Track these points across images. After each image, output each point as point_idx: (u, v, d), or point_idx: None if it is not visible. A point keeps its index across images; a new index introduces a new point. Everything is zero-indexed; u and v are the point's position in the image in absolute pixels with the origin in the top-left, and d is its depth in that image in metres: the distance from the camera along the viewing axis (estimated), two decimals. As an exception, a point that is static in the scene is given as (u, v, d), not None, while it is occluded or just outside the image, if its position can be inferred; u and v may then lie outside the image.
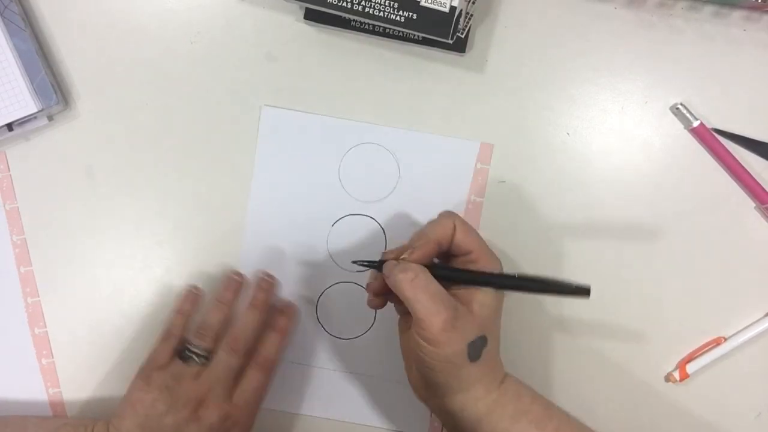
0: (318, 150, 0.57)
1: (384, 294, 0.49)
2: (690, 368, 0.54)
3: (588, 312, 0.55)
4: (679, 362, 0.55)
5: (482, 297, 0.46)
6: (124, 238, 0.57)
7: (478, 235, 0.47)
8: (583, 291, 0.44)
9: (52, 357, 0.57)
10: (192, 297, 0.55)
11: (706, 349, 0.54)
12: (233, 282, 0.55)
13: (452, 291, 0.46)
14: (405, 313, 0.49)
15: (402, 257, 0.46)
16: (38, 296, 0.57)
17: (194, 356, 0.52)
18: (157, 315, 0.57)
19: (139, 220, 0.57)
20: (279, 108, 0.56)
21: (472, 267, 0.47)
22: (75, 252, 0.57)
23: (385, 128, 0.56)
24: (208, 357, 0.52)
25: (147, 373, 0.51)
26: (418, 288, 0.44)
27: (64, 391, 0.57)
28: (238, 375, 0.52)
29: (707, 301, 0.55)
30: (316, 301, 0.57)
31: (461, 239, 0.47)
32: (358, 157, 0.56)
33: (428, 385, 0.46)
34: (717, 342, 0.54)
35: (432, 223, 0.48)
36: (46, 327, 0.57)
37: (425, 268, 0.45)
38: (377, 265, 0.48)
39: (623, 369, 0.55)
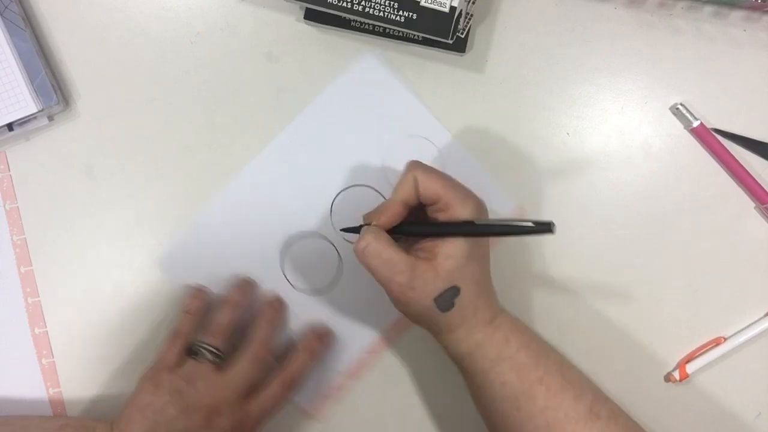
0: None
1: None
2: (690, 368, 0.54)
3: (588, 312, 0.55)
4: (679, 362, 0.55)
5: (447, 248, 0.45)
6: (124, 238, 0.57)
7: (444, 181, 0.46)
8: (545, 227, 0.43)
9: (53, 357, 0.57)
10: (200, 296, 0.55)
11: (706, 349, 0.54)
12: (244, 285, 0.55)
13: (420, 245, 0.46)
14: None
15: (367, 224, 0.47)
16: (38, 296, 0.57)
17: (206, 351, 0.50)
18: (157, 315, 0.57)
19: (139, 220, 0.57)
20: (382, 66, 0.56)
21: (441, 216, 0.46)
22: (75, 252, 0.57)
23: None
24: (220, 355, 0.51)
25: (156, 374, 0.50)
26: (370, 256, 0.45)
27: (65, 390, 0.57)
28: (254, 385, 0.51)
29: (707, 301, 0.55)
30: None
31: (425, 190, 0.46)
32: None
33: (412, 319, 0.48)
34: (717, 342, 0.54)
35: (398, 181, 0.47)
36: (46, 327, 0.57)
37: (380, 233, 0.45)
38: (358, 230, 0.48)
39: (623, 369, 0.55)
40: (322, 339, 0.54)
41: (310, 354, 0.53)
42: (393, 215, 0.47)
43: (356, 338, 0.56)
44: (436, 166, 0.48)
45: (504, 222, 0.45)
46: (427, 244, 0.46)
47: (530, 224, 0.43)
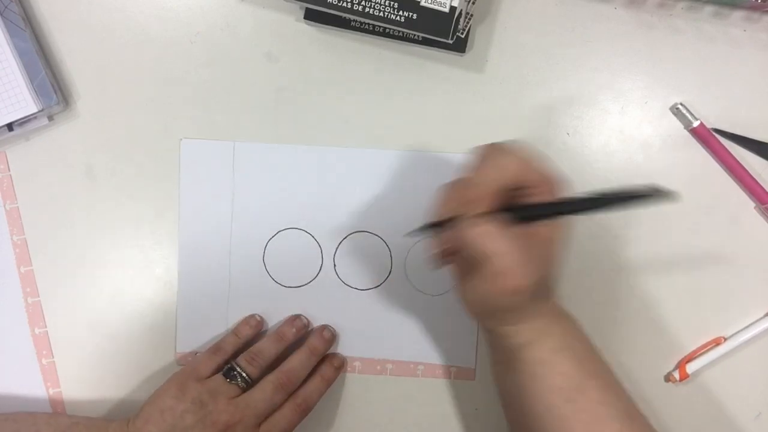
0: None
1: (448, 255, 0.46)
2: (690, 368, 0.54)
3: (588, 312, 0.55)
4: (679, 362, 0.55)
5: (559, 231, 0.42)
6: (124, 238, 0.57)
7: (537, 162, 0.42)
8: (661, 194, 0.36)
9: (53, 357, 0.57)
10: (254, 325, 0.55)
11: (706, 349, 0.54)
12: (298, 322, 0.55)
13: (521, 229, 0.42)
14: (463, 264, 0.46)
15: (466, 216, 0.42)
16: (38, 296, 0.57)
17: (239, 377, 0.51)
18: (157, 315, 0.57)
19: (139, 220, 0.57)
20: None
21: (534, 198, 0.42)
22: (75, 252, 0.57)
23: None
24: (250, 383, 0.51)
25: (184, 381, 0.51)
26: (492, 240, 0.40)
27: (65, 390, 0.57)
28: (272, 411, 0.51)
29: (707, 301, 0.55)
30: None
31: (524, 176, 0.41)
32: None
33: (483, 313, 0.45)
34: (717, 342, 0.54)
35: (481, 168, 0.42)
36: (46, 327, 0.57)
37: (496, 218, 0.41)
38: (433, 226, 0.45)
39: (623, 369, 0.55)
40: (338, 368, 0.55)
41: (326, 382, 0.54)
42: (489, 207, 0.41)
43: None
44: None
45: (612, 192, 0.38)
46: (531, 228, 0.42)
47: (645, 191, 0.37)
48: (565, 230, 0.43)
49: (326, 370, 0.54)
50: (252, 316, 0.56)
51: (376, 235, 0.56)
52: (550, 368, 0.44)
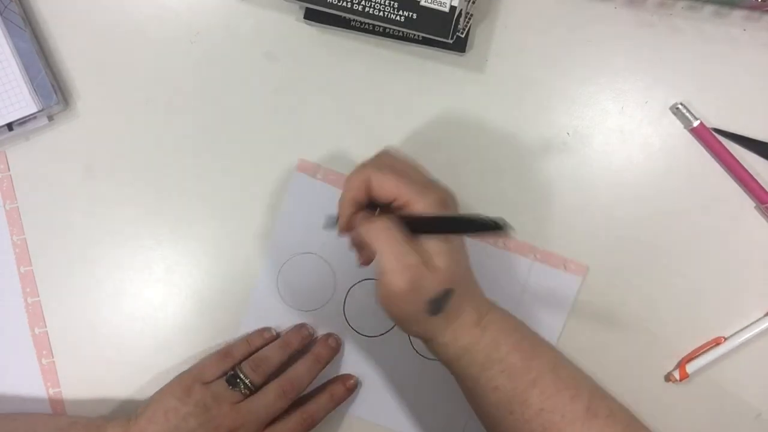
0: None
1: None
2: (690, 368, 0.54)
3: (588, 312, 0.55)
4: (679, 362, 0.55)
5: (433, 245, 0.42)
6: (124, 238, 0.57)
7: (399, 177, 0.43)
8: (500, 224, 0.39)
9: (52, 357, 0.57)
10: (267, 336, 0.55)
11: (706, 348, 0.54)
12: (304, 331, 0.55)
13: (416, 246, 0.43)
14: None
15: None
16: (38, 296, 0.57)
17: (241, 384, 0.51)
18: (157, 315, 0.57)
19: (139, 220, 0.57)
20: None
21: (404, 213, 0.43)
22: (75, 252, 0.57)
23: None
24: (253, 390, 0.51)
25: (190, 383, 0.51)
26: (383, 239, 0.42)
27: (65, 390, 0.57)
28: (274, 417, 0.51)
29: (707, 301, 0.55)
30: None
31: (379, 190, 0.44)
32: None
33: (394, 318, 0.45)
34: (717, 342, 0.54)
35: (346, 180, 0.45)
36: (46, 327, 0.57)
37: (394, 220, 0.43)
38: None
39: (623, 369, 0.55)
40: (349, 388, 0.55)
41: (334, 399, 0.54)
42: (348, 216, 0.45)
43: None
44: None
45: (464, 216, 0.41)
46: (420, 245, 0.43)
47: (490, 221, 0.40)
48: (448, 244, 0.43)
49: (337, 389, 0.54)
50: (267, 329, 0.56)
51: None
52: (483, 383, 0.44)
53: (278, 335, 0.56)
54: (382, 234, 0.42)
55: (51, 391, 0.57)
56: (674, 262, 0.55)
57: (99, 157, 0.57)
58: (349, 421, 0.56)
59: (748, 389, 0.55)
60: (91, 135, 0.58)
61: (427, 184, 0.44)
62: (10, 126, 0.55)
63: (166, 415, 0.49)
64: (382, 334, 0.56)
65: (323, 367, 0.54)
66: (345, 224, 0.46)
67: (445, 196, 0.44)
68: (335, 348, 0.55)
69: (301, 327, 0.56)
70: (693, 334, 0.55)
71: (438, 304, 0.43)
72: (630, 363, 0.55)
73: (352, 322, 0.57)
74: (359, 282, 0.56)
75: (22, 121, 0.55)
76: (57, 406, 0.57)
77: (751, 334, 0.54)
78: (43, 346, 0.57)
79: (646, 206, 0.55)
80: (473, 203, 0.56)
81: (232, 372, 0.52)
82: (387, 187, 0.43)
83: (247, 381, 0.51)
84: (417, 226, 0.43)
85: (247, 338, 0.55)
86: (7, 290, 0.57)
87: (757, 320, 0.54)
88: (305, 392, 0.53)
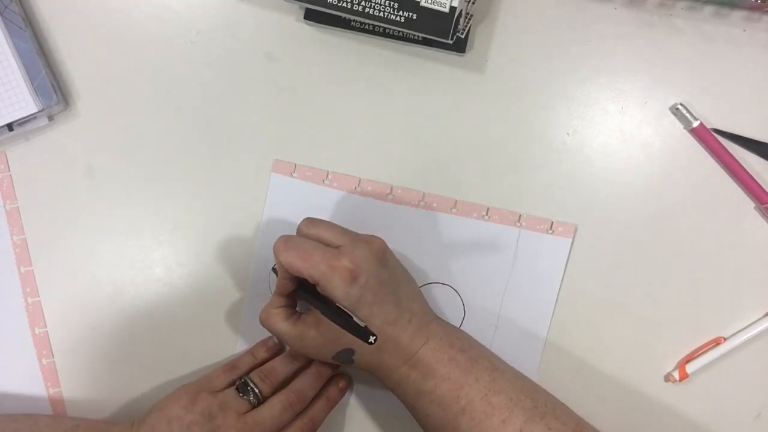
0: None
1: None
2: (690, 368, 0.54)
3: (588, 312, 0.55)
4: (679, 362, 0.55)
5: (325, 319, 0.47)
6: (124, 238, 0.57)
7: (305, 260, 0.46)
8: (366, 336, 0.44)
9: (53, 357, 0.57)
10: (270, 345, 0.56)
11: (706, 349, 0.54)
12: None
13: (313, 310, 0.49)
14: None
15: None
16: (38, 296, 0.57)
17: (252, 393, 0.51)
18: (157, 315, 0.57)
19: (138, 220, 0.57)
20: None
21: (320, 289, 0.47)
22: (75, 252, 0.57)
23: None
24: (261, 400, 0.51)
25: (196, 392, 0.50)
26: (268, 328, 0.50)
27: (65, 390, 0.57)
28: (279, 430, 0.51)
29: (707, 301, 0.55)
30: None
31: (290, 271, 0.47)
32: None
33: None
34: (717, 342, 0.54)
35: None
36: (46, 327, 0.57)
37: (270, 310, 0.50)
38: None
39: (623, 369, 0.55)
40: (342, 389, 0.55)
41: (331, 403, 0.54)
42: (282, 287, 0.50)
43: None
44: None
45: (341, 315, 0.46)
46: (315, 311, 0.49)
47: (360, 326, 0.45)
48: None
49: (332, 391, 0.55)
50: (270, 338, 0.56)
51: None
52: (417, 410, 0.49)
53: (278, 344, 0.56)
54: (266, 324, 0.51)
55: (51, 391, 0.57)
56: (674, 262, 0.55)
57: (99, 157, 0.57)
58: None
59: (748, 389, 0.55)
60: (91, 135, 0.58)
61: (332, 262, 0.46)
62: (10, 126, 0.55)
63: (170, 424, 0.48)
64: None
65: (326, 380, 0.54)
66: (279, 292, 0.50)
67: (353, 269, 0.46)
68: (343, 389, 0.56)
69: None
70: (693, 334, 0.55)
71: (344, 358, 0.49)
72: (630, 363, 0.55)
73: None
74: None
75: (23, 121, 0.55)
76: (57, 406, 0.57)
77: (751, 334, 0.54)
78: (43, 346, 0.57)
79: (646, 206, 0.55)
80: (473, 202, 0.56)
81: (242, 381, 0.52)
82: (295, 269, 0.47)
83: (257, 390, 0.51)
84: (311, 303, 0.48)
85: (251, 351, 0.55)
86: (7, 290, 0.57)
87: (757, 320, 0.54)
88: None
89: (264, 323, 0.50)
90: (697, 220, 0.55)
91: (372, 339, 0.44)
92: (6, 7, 0.55)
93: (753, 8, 0.54)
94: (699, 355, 0.54)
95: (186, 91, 0.57)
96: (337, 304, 0.47)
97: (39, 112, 0.55)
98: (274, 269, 0.52)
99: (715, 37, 0.55)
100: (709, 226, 0.55)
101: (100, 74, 0.57)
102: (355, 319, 0.46)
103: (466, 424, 0.46)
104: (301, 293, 0.50)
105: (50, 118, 0.57)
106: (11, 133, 0.56)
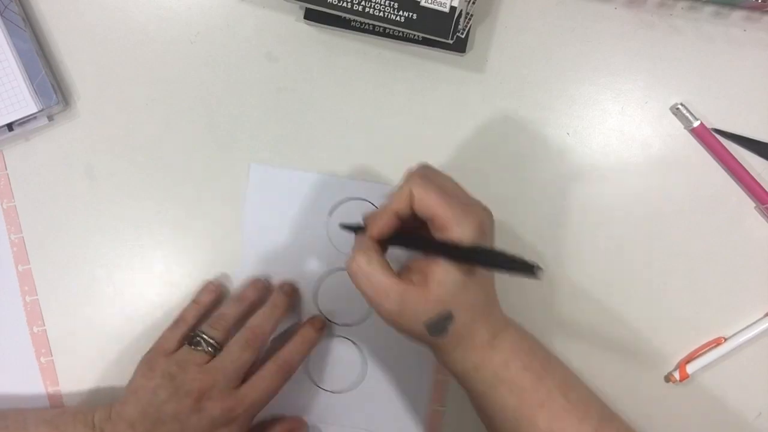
0: (306, 205, 0.56)
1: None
2: (690, 368, 0.54)
3: (588, 312, 0.55)
4: (679, 362, 0.55)
5: (439, 274, 0.42)
6: (123, 238, 0.57)
7: (442, 197, 0.43)
8: (531, 269, 0.39)
9: (51, 355, 0.57)
10: (212, 290, 0.55)
11: (706, 349, 0.54)
12: (259, 284, 0.55)
13: (414, 263, 0.45)
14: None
15: (363, 227, 0.46)
16: (36, 295, 0.57)
17: (203, 342, 0.51)
18: (156, 314, 0.57)
19: (138, 220, 0.57)
20: (266, 165, 0.57)
21: (439, 234, 0.43)
22: (74, 251, 0.57)
23: (372, 184, 0.56)
24: (217, 347, 0.51)
25: (152, 358, 0.51)
26: (360, 279, 0.44)
27: (64, 389, 0.57)
28: (246, 370, 0.51)
29: (707, 301, 0.55)
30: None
31: (419, 207, 0.43)
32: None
33: (398, 330, 0.46)
34: (717, 342, 0.54)
35: (394, 190, 0.45)
36: (44, 325, 0.57)
37: (371, 255, 0.44)
38: (356, 229, 0.48)
39: (623, 369, 0.55)
40: (319, 330, 0.55)
41: (307, 342, 0.54)
42: (385, 226, 0.45)
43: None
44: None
45: (494, 252, 0.42)
46: (421, 264, 0.44)
47: (523, 262, 0.39)
48: (453, 276, 0.42)
49: (307, 331, 0.54)
50: (209, 282, 0.56)
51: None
52: (490, 401, 0.45)
53: (219, 284, 0.56)
54: (361, 271, 0.44)
55: (50, 390, 0.57)
56: (674, 262, 0.55)
57: (99, 157, 0.57)
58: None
59: (748, 389, 0.55)
60: (91, 135, 0.58)
61: (466, 207, 0.43)
62: (10, 126, 0.55)
63: (137, 394, 0.49)
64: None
65: (283, 313, 0.54)
66: (377, 233, 0.45)
67: (483, 220, 0.43)
68: (289, 293, 0.55)
69: (255, 280, 0.55)
70: (693, 334, 0.55)
71: (436, 327, 0.43)
72: (630, 363, 0.55)
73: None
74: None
75: (22, 121, 0.55)
76: (56, 404, 0.57)
77: (751, 334, 0.54)
78: (41, 344, 0.57)
79: (646, 206, 0.55)
80: (473, 203, 0.56)
81: (192, 334, 0.52)
82: (428, 205, 0.43)
83: (208, 339, 0.51)
84: (433, 250, 0.43)
85: (194, 299, 0.55)
86: (5, 289, 0.57)
87: (757, 320, 0.54)
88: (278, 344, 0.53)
89: (359, 272, 0.44)
90: (697, 220, 0.55)
91: (538, 271, 0.38)
92: (6, 7, 0.55)
93: (753, 8, 0.54)
94: (699, 355, 0.54)
95: (186, 91, 0.57)
96: (489, 247, 0.42)
97: (39, 112, 0.55)
98: (346, 226, 0.49)
99: (715, 37, 0.55)
100: (709, 226, 0.55)
101: (100, 74, 0.57)
102: (515, 255, 0.40)
103: (544, 418, 0.43)
104: (401, 240, 0.45)
105: (50, 118, 0.57)
106: (11, 133, 0.56)
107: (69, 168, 0.57)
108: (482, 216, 0.44)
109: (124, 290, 0.57)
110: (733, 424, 0.55)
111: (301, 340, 0.53)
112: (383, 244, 0.46)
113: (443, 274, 0.42)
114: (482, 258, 0.42)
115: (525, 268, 0.39)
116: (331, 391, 0.57)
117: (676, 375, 0.54)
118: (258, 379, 0.51)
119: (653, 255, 0.55)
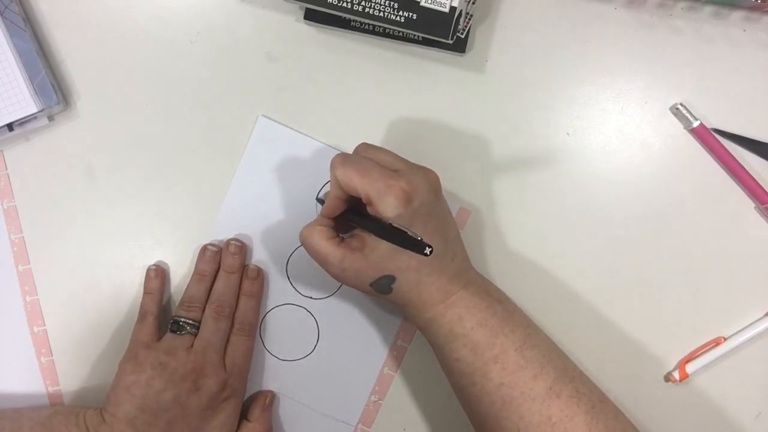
0: (303, 170, 0.57)
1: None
2: (690, 368, 0.54)
3: (588, 312, 0.55)
4: (679, 362, 0.55)
5: (372, 241, 0.46)
6: (123, 238, 0.57)
7: (363, 176, 0.46)
8: (422, 247, 0.43)
9: (51, 355, 0.57)
10: (153, 275, 0.56)
11: (706, 349, 0.54)
12: (208, 253, 0.56)
13: (356, 232, 0.49)
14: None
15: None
16: (36, 295, 0.57)
17: (186, 326, 0.52)
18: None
19: (138, 220, 0.57)
20: (274, 121, 0.56)
21: (369, 209, 0.46)
22: (74, 251, 0.57)
23: None
24: (197, 326, 0.53)
25: (134, 354, 0.52)
26: (307, 247, 0.49)
27: (64, 389, 0.57)
28: (226, 339, 0.53)
29: (707, 301, 0.55)
30: (262, 319, 0.57)
31: (346, 188, 0.47)
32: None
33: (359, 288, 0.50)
34: (717, 342, 0.54)
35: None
36: (44, 325, 0.57)
37: (314, 228, 0.48)
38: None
39: (623, 369, 0.55)
40: (255, 279, 0.55)
41: (252, 297, 0.55)
42: (330, 207, 0.49)
43: (360, 383, 0.57)
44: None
45: (393, 228, 0.45)
46: (361, 233, 0.48)
47: (416, 242, 0.44)
48: (385, 243, 0.46)
49: (246, 286, 0.55)
50: (149, 269, 0.56)
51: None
52: (446, 354, 0.48)
53: (158, 267, 0.56)
54: (306, 243, 0.49)
55: (50, 390, 0.57)
56: (674, 262, 0.55)
57: (99, 157, 0.57)
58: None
59: (748, 389, 0.55)
60: (91, 135, 0.58)
61: (389, 181, 0.45)
62: (10, 126, 0.55)
63: (130, 391, 0.50)
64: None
65: (237, 272, 0.55)
66: (326, 213, 0.49)
67: (413, 189, 0.45)
68: (236, 252, 0.55)
69: (204, 252, 0.56)
70: (693, 334, 0.55)
71: (382, 286, 0.47)
72: (630, 363, 0.55)
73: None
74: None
75: (22, 121, 0.55)
76: (56, 404, 0.57)
77: (751, 334, 0.54)
78: (42, 344, 0.57)
79: (645, 206, 0.55)
80: (473, 203, 0.56)
81: (172, 321, 0.53)
82: (352, 186, 0.46)
83: (189, 321, 0.52)
84: (359, 224, 0.48)
85: (144, 290, 0.56)
86: (5, 289, 0.57)
87: (757, 320, 0.54)
88: None
89: (305, 240, 0.49)
90: (697, 220, 0.55)
91: (428, 250, 0.43)
92: (6, 7, 0.55)
93: (753, 8, 0.54)
94: (699, 355, 0.54)
95: (186, 91, 0.57)
96: (390, 223, 0.45)
97: (39, 112, 0.55)
98: (319, 199, 0.54)
99: (715, 37, 0.55)
100: (709, 226, 0.55)
101: (100, 74, 0.57)
102: (409, 233, 0.45)
103: (496, 373, 0.46)
104: (349, 216, 0.49)
105: (50, 118, 0.57)
106: (11, 133, 0.56)
107: (69, 168, 0.57)
108: (412, 185, 0.46)
109: (124, 290, 0.57)
110: (733, 424, 0.55)
111: (247, 298, 0.55)
112: (338, 219, 0.50)
113: (375, 241, 0.46)
114: (386, 233, 0.46)
115: (418, 246, 0.43)
116: (280, 359, 0.57)
117: (676, 375, 0.54)
118: (232, 347, 0.53)
119: (653, 255, 0.55)
